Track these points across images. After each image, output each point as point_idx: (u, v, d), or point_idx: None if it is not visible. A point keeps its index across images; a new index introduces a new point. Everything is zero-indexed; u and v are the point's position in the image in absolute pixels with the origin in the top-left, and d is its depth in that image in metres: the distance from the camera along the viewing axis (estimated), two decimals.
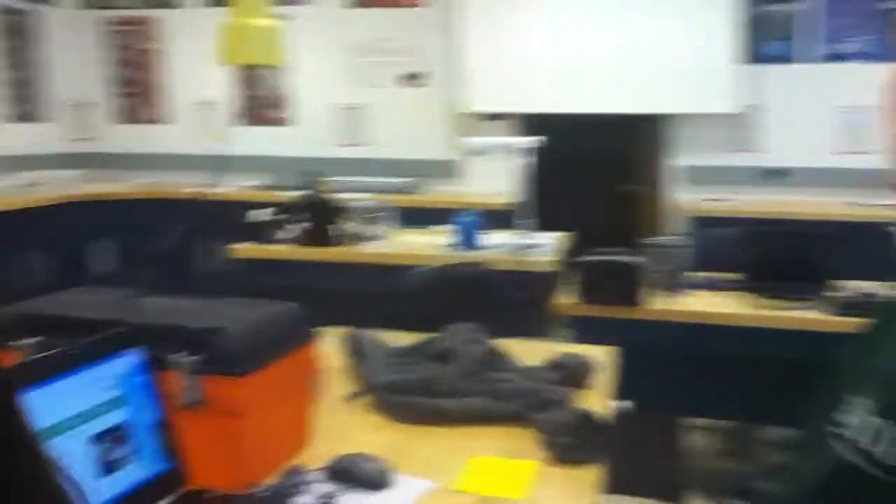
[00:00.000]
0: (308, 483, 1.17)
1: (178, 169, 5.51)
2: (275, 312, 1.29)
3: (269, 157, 5.54)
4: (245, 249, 3.33)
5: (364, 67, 5.41)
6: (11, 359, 1.18)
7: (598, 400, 1.60)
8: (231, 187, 5.27)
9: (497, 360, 1.65)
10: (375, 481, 1.19)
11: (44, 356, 0.98)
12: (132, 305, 1.27)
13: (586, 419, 1.35)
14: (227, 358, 1.13)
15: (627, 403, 1.70)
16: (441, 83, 5.26)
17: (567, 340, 2.54)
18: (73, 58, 5.79)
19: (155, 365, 1.12)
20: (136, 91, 5.93)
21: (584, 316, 2.66)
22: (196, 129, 5.69)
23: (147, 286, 1.39)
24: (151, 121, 5.92)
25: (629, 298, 2.63)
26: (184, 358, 1.13)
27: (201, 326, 1.16)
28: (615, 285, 2.63)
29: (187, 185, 5.24)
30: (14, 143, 5.32)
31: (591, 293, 2.66)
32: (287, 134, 5.63)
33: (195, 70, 5.62)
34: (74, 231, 4.90)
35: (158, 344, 1.14)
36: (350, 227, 3.23)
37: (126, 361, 1.08)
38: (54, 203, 4.91)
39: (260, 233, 3.35)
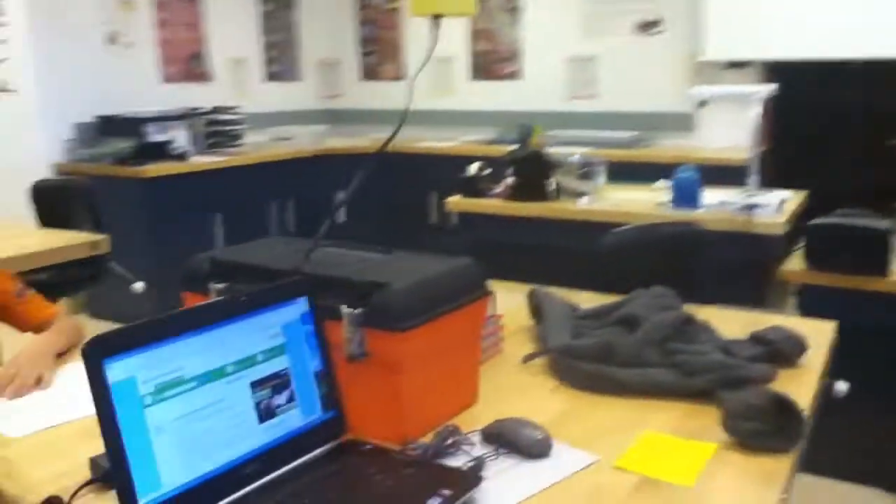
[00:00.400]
0: (462, 444, 1.16)
1: (414, 125, 5.72)
2: (446, 268, 1.28)
3: (497, 112, 5.58)
4: (461, 203, 3.38)
5: (598, 17, 5.22)
6: (203, 301, 1.29)
7: (806, 381, 1.42)
8: (460, 142, 5.40)
9: (690, 330, 1.52)
10: (532, 449, 1.15)
11: (214, 301, 1.05)
12: (309, 256, 1.32)
13: (781, 402, 1.20)
14: (388, 312, 1.13)
15: (843, 385, 1.50)
16: (678, 30, 4.94)
17: (788, 312, 2.30)
18: (323, 19, 6.20)
19: (320, 315, 1.16)
20: (378, 49, 6.22)
21: (814, 286, 2.39)
22: (430, 86, 5.86)
23: (361, 238, 1.43)
24: (391, 77, 6.18)
25: (876, 268, 2.32)
26: (348, 310, 1.16)
27: (366, 280, 1.17)
28: (858, 252, 2.33)
29: (422, 139, 5.45)
30: (269, 100, 5.82)
31: (827, 260, 2.37)
32: (516, 88, 5.61)
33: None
34: (321, 182, 5.28)
35: (325, 295, 1.18)
36: (561, 182, 3.16)
37: (292, 310, 1.12)
38: (304, 156, 5.33)
39: (476, 187, 3.38)
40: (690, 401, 1.33)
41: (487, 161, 3.51)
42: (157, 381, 0.94)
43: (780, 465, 1.12)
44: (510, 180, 3.22)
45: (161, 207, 4.43)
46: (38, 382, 1.47)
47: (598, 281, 1.99)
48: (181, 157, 4.66)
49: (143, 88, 4.96)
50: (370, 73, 6.30)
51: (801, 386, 1.38)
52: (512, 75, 5.64)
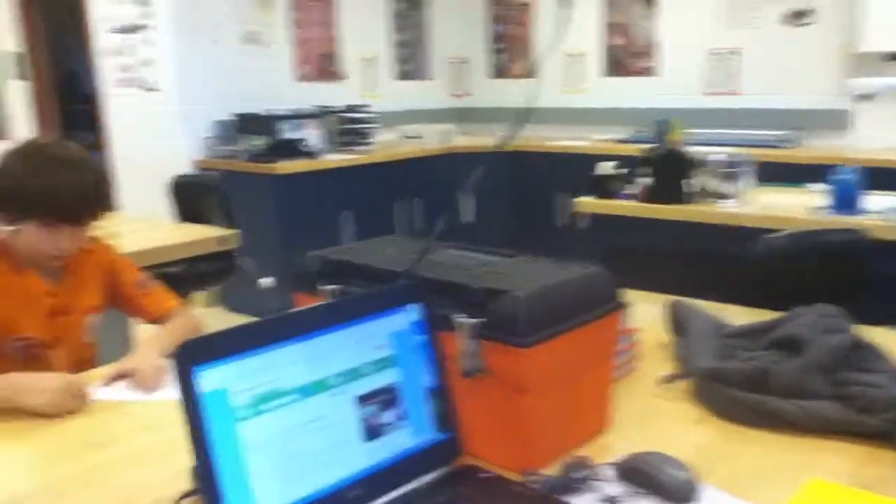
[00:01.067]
0: (593, 479, 1.01)
1: (543, 122, 5.56)
2: (576, 276, 1.13)
3: (631, 110, 5.33)
4: (590, 204, 3.20)
5: (741, 7, 4.88)
6: (314, 302, 1.20)
7: None
8: (590, 140, 5.19)
9: (862, 357, 1.30)
10: (676, 492, 0.98)
11: (316, 307, 0.95)
12: (424, 259, 1.21)
13: None
14: (510, 324, 1.00)
15: None
16: (830, 20, 4.53)
17: None
18: (454, 17, 6.15)
19: (434, 324, 1.04)
20: (508, 46, 6.10)
21: None
22: (560, 82, 5.69)
23: (486, 239, 1.31)
24: (520, 75, 6.04)
25: None
26: (465, 319, 1.03)
27: (485, 287, 1.05)
28: None
29: (551, 138, 5.29)
30: (399, 98, 5.82)
31: None
32: (650, 84, 5.34)
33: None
34: (448, 181, 5.22)
35: (440, 302, 1.07)
36: (702, 183, 2.91)
37: (403, 318, 1.01)
38: (432, 154, 5.29)
39: (608, 187, 3.19)
40: (866, 442, 1.13)
41: (621, 160, 3.31)
42: (253, 393, 0.85)
43: None
44: (646, 180, 3.01)
45: (291, 204, 4.49)
46: (152, 382, 1.44)
47: (747, 294, 1.78)
48: (313, 154, 4.71)
49: (278, 87, 5.06)
50: (500, 71, 6.19)
51: None
52: (647, 71, 5.37)
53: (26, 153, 1.56)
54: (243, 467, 0.83)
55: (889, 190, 2.84)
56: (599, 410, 1.18)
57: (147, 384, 1.42)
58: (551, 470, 1.02)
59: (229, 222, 3.42)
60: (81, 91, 5.58)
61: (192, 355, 0.81)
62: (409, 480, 0.97)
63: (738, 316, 1.57)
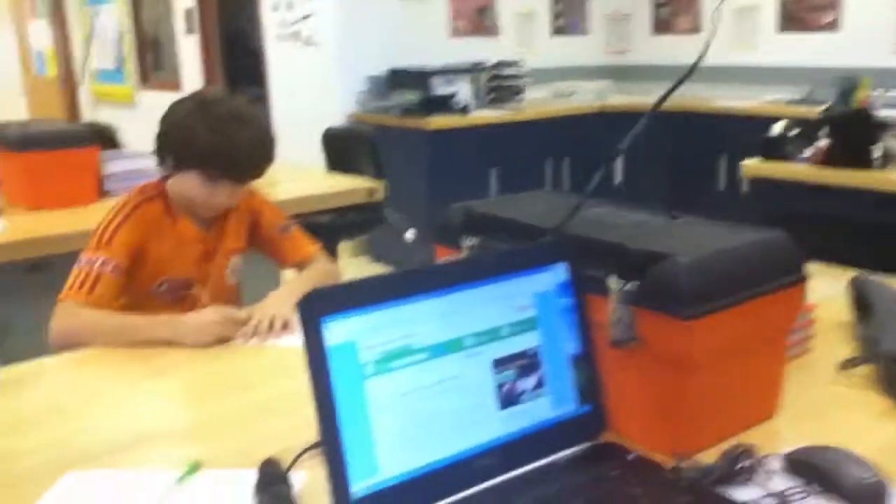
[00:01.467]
0: (757, 471, 0.89)
1: (708, 81, 5.21)
2: (751, 242, 0.99)
3: (808, 69, 4.88)
4: (760, 167, 2.95)
5: None
6: (453, 255, 1.14)
7: None
8: (760, 101, 4.81)
9: None
10: (858, 495, 0.84)
11: (454, 260, 0.88)
12: (576, 215, 1.11)
13: None
14: (670, 293, 0.89)
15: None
16: None
17: None
18: None
19: (582, 287, 0.95)
20: (672, 0, 5.74)
21: None
22: (728, 39, 5.29)
23: (638, 202, 1.20)
24: (685, 30, 5.69)
25: None
26: (617, 283, 0.93)
27: (643, 249, 0.93)
28: None
29: (716, 97, 4.95)
30: (554, 55, 5.63)
31: None
32: (832, 40, 4.86)
33: None
34: (600, 141, 5.02)
35: (591, 263, 0.97)
36: (890, 148, 2.60)
37: (549, 278, 0.92)
38: (585, 113, 5.10)
39: (781, 149, 2.92)
40: None
41: (795, 121, 3.02)
42: (382, 349, 0.79)
43: None
44: (824, 143, 2.73)
45: (440, 159, 4.46)
46: (285, 328, 1.43)
47: None
48: (463, 110, 4.66)
49: (432, 42, 5.02)
50: (662, 27, 5.84)
51: None
52: (828, 26, 4.88)
53: (202, 105, 1.56)
54: (368, 427, 0.78)
55: None
56: (768, 394, 1.04)
57: (278, 330, 1.42)
58: (708, 457, 0.91)
59: (378, 175, 3.44)
60: (246, 46, 5.81)
61: (320, 305, 0.76)
62: (546, 454, 0.89)
63: None
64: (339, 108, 4.77)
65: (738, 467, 0.88)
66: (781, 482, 0.88)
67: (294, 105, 5.06)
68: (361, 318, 0.78)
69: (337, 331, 0.76)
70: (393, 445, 0.79)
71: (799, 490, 0.86)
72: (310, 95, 4.95)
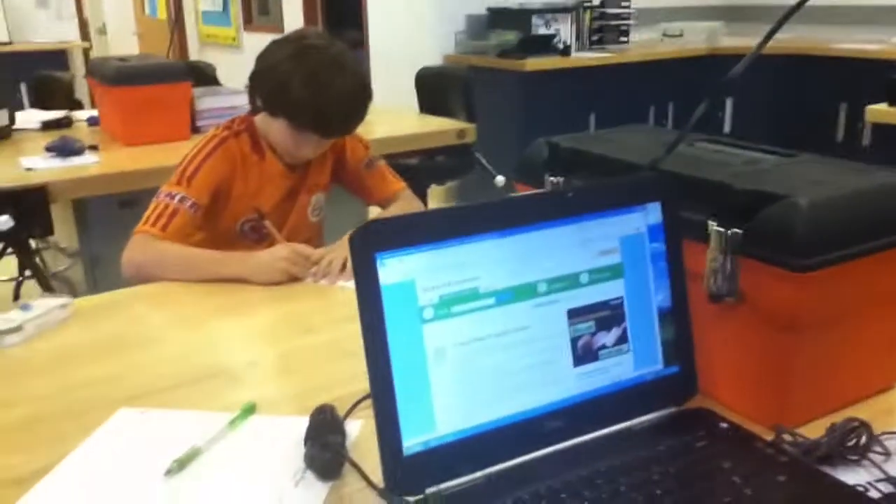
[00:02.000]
0: (872, 450, 0.77)
1: (829, 23, 4.81)
2: (881, 184, 0.85)
3: None
4: (886, 113, 2.68)
5: None
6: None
7: None
8: (885, 44, 4.40)
9: None
10: None
11: (528, 195, 0.78)
12: (676, 151, 0.98)
13: None
14: (782, 240, 0.76)
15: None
16: None
17: None
18: None
19: (677, 231, 0.83)
20: None
21: None
22: None
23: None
24: None
25: None
26: (719, 228, 0.81)
27: (753, 189, 0.81)
28: None
29: (835, 40, 4.56)
30: None
31: None
32: None
33: None
34: (708, 86, 4.73)
35: (689, 204, 0.85)
36: None
37: (638, 220, 0.81)
38: (693, 55, 4.80)
39: None
40: None
41: None
42: (444, 291, 0.71)
43: None
44: None
45: (537, 103, 4.30)
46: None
47: None
48: (564, 51, 4.46)
49: None
50: None
51: None
52: None
53: (301, 52, 1.47)
54: (425, 377, 0.70)
55: None
56: (888, 362, 0.91)
57: (350, 272, 1.37)
58: (814, 431, 0.79)
59: (470, 117, 3.33)
60: None
61: (376, 238, 0.68)
62: (623, 419, 0.79)
63: None
64: (435, 49, 4.65)
65: (849, 444, 0.76)
66: None
67: (391, 45, 4.98)
68: (422, 256, 0.69)
69: (393, 268, 0.68)
70: (451, 399, 0.71)
71: None
72: (406, 35, 4.85)
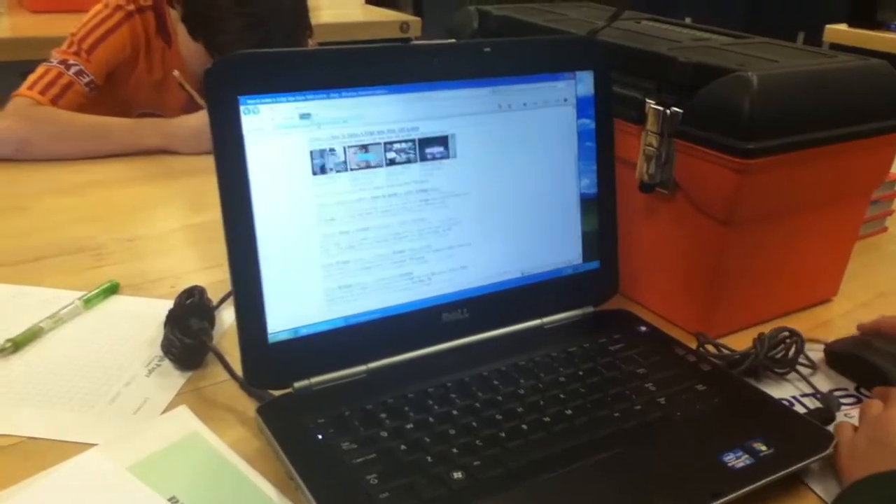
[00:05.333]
0: (799, 362, 0.69)
1: None
2: (843, 67, 0.75)
3: None
4: (843, 33, 2.59)
5: None
6: None
7: None
8: None
9: None
10: None
11: (436, 45, 0.66)
12: (621, 26, 0.87)
13: None
14: (729, 120, 0.66)
15: None
16: None
17: None
18: None
19: (610, 109, 0.72)
20: None
21: None
22: None
23: None
24: None
25: None
26: (657, 107, 0.71)
27: (699, 62, 0.70)
28: None
29: None
30: None
31: None
32: None
33: None
34: None
35: (627, 79, 0.74)
36: None
37: (567, 89, 0.70)
38: None
39: (871, 15, 2.55)
40: None
41: None
42: (324, 146, 0.58)
43: None
44: None
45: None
46: None
47: None
48: None
49: None
50: None
51: None
52: None
53: None
54: (298, 253, 0.59)
55: None
56: (828, 271, 0.83)
57: None
58: (741, 340, 0.71)
59: (417, 12, 3.14)
60: None
61: (240, 76, 0.55)
62: (535, 315, 0.70)
63: None
64: None
65: (777, 356, 0.68)
66: (822, 381, 0.68)
67: None
68: (299, 103, 0.57)
69: (262, 116, 0.56)
70: (330, 280, 0.60)
71: (843, 391, 0.67)
72: None
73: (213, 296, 0.74)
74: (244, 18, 1.24)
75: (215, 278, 0.79)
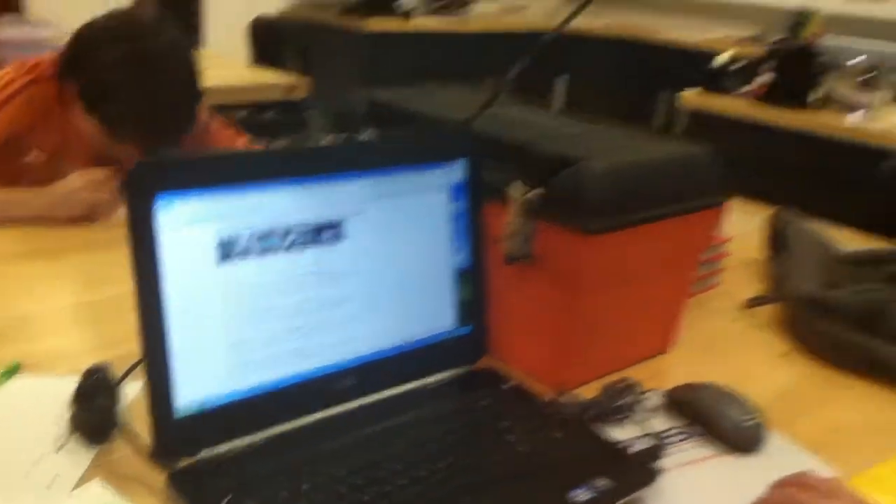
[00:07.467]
0: (637, 408, 0.82)
1: (657, 12, 5.07)
2: (673, 154, 0.90)
3: (760, 7, 4.78)
4: (699, 99, 2.87)
5: None
6: None
7: None
8: (708, 36, 4.70)
9: None
10: (734, 437, 0.78)
11: (327, 146, 0.76)
12: (492, 113, 0.99)
13: None
14: (577, 203, 0.79)
15: None
16: None
17: None
18: None
19: (481, 192, 0.84)
20: None
21: None
22: None
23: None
24: None
25: None
26: (519, 189, 0.83)
27: (553, 152, 0.83)
28: None
29: (662, 29, 4.83)
30: None
31: None
32: None
33: None
34: (547, 62, 4.86)
35: (493, 165, 0.86)
36: (832, 89, 2.54)
37: (443, 177, 0.81)
38: (534, 31, 4.92)
39: (723, 82, 2.84)
40: None
41: (741, 55, 2.94)
42: (229, 236, 0.67)
43: None
44: (766, 77, 2.65)
45: (373, 64, 4.25)
46: None
47: (866, 220, 1.51)
48: (406, 14, 4.43)
49: None
50: None
51: None
52: None
53: (130, 56, 1.28)
54: (203, 332, 0.66)
55: None
56: (664, 327, 0.97)
57: None
58: (592, 391, 0.84)
59: (306, 74, 3.24)
60: None
61: (157, 177, 0.63)
62: (412, 378, 0.80)
63: (853, 242, 1.32)
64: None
65: (618, 404, 0.81)
66: (660, 422, 0.81)
67: None
68: (208, 200, 0.65)
69: (175, 212, 0.64)
70: (232, 356, 0.68)
71: (678, 431, 0.80)
72: None
73: (116, 370, 0.79)
74: (137, 91, 1.29)
75: (115, 354, 0.84)
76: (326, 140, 3.16)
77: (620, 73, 4.84)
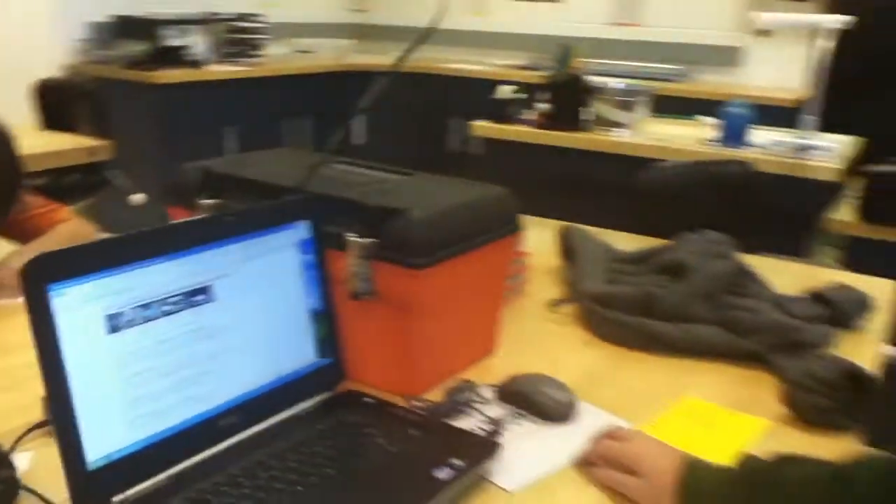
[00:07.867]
0: (476, 402, 1.00)
1: (443, 44, 5.44)
2: (476, 197, 1.09)
3: (534, 36, 5.28)
4: (488, 128, 3.16)
5: None
6: (189, 216, 1.11)
7: (868, 346, 1.25)
8: (491, 65, 5.12)
9: (743, 283, 1.34)
10: (554, 411, 0.98)
11: (192, 221, 0.88)
12: (317, 174, 1.14)
13: (850, 373, 1.02)
14: (404, 245, 0.96)
15: None
16: None
17: (835, 266, 2.11)
18: None
19: (324, 244, 0.98)
20: None
21: (865, 238, 2.20)
22: (464, 4, 5.56)
23: (378, 160, 1.24)
24: None
25: None
26: (356, 239, 0.98)
27: (380, 205, 0.99)
28: None
29: (450, 60, 5.18)
30: (293, 10, 5.54)
31: (878, 211, 2.17)
32: (555, 10, 5.30)
33: None
34: (341, 100, 5.05)
35: (331, 220, 1.01)
36: (599, 111, 2.93)
37: (292, 236, 0.95)
38: (326, 71, 5.09)
39: (506, 112, 3.16)
40: (741, 365, 1.17)
41: (522, 85, 3.27)
42: (117, 311, 0.77)
43: (843, 446, 0.95)
44: (544, 106, 3.00)
45: (172, 117, 4.24)
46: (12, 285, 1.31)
47: (638, 221, 1.80)
48: (196, 64, 4.45)
49: None
50: None
51: (862, 353, 1.20)
52: None
53: None
54: (103, 395, 0.76)
55: (775, 126, 2.94)
56: (488, 333, 1.17)
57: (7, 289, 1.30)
58: (437, 394, 1.01)
59: (101, 133, 3.20)
60: None
61: (48, 270, 0.72)
62: (286, 407, 0.93)
63: (627, 243, 1.59)
64: (54, 58, 4.32)
65: (459, 401, 0.98)
66: (495, 410, 0.99)
67: (2, 55, 4.50)
68: (95, 283, 0.75)
69: (68, 297, 0.73)
70: (132, 409, 0.78)
71: (510, 414, 0.99)
72: (18, 42, 4.42)
73: (5, 440, 0.86)
74: None
75: (5, 427, 0.90)
76: (134, 199, 3.14)
77: (415, 103, 5.13)
